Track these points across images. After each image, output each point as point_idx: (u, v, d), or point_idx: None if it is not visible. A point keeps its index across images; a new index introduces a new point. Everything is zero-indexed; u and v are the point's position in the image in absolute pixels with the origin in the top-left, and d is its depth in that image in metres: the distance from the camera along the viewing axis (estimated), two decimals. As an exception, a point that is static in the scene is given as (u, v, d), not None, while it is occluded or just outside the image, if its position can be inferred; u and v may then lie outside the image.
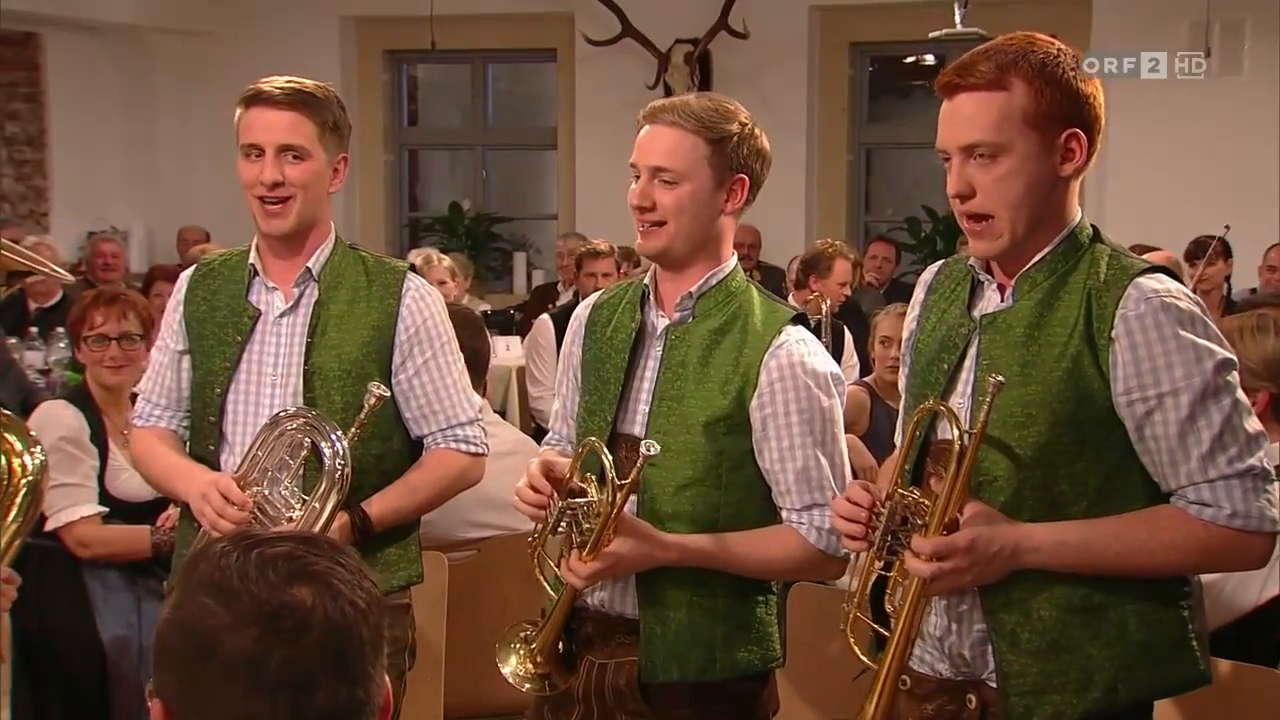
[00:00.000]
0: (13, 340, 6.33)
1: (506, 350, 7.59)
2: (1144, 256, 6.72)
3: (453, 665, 3.24)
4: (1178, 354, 1.98)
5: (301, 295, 2.72)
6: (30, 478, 2.50)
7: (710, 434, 2.36)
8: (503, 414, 7.08)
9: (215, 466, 2.70)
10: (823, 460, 2.38)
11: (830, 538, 2.37)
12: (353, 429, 2.54)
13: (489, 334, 7.61)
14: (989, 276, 2.15)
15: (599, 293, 2.63)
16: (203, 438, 2.74)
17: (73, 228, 9.49)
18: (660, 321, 2.45)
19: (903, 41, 9.05)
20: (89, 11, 9.31)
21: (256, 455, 2.58)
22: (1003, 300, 2.12)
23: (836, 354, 5.91)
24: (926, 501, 2.04)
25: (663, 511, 2.37)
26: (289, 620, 1.28)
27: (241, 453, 2.63)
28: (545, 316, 6.42)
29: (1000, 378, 1.97)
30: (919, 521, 2.03)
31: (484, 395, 3.68)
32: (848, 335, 6.04)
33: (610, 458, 2.27)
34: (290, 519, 2.53)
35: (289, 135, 2.63)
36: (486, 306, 8.59)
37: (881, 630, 2.11)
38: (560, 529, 2.32)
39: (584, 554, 2.29)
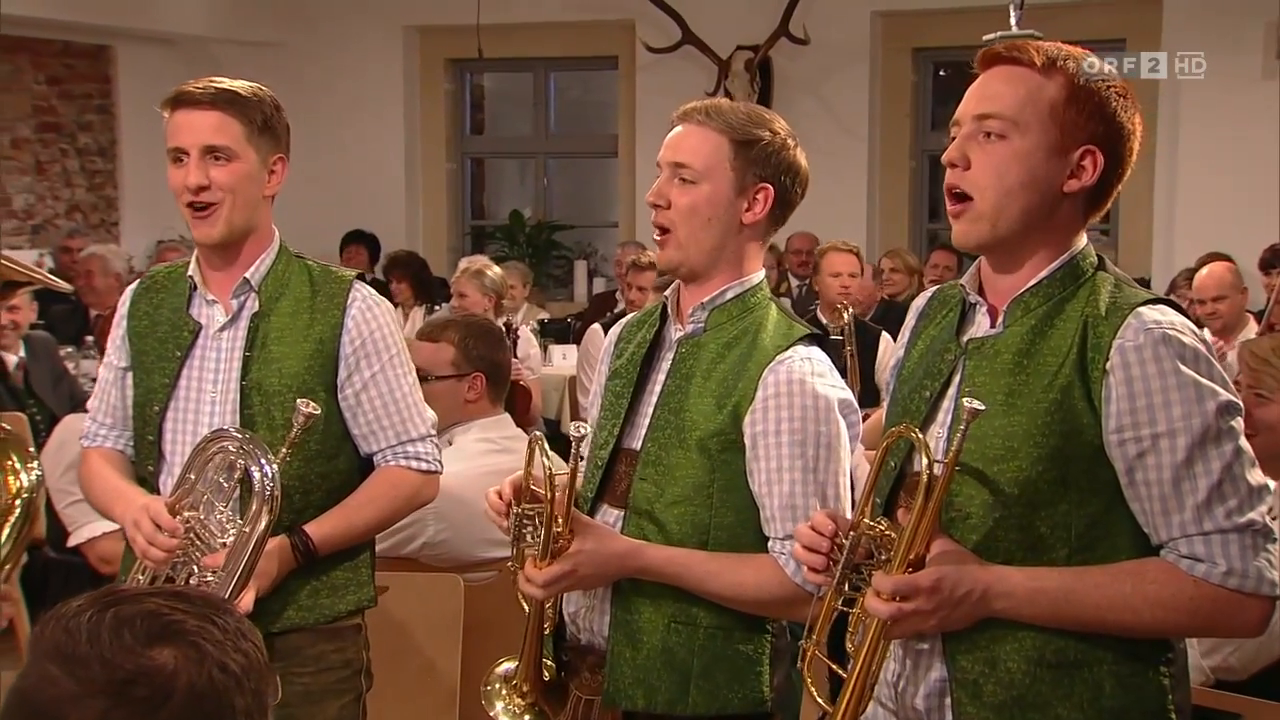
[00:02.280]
0: (71, 349, 6.32)
1: (563, 359, 7.48)
2: (1212, 265, 6.35)
3: (470, 691, 3.09)
4: (1177, 391, 1.78)
5: (241, 308, 2.55)
6: (25, 495, 2.43)
7: (704, 450, 2.20)
8: (557, 423, 6.97)
9: (155, 488, 2.54)
10: (811, 488, 2.17)
11: None
12: (283, 450, 2.37)
13: (545, 343, 7.59)
14: (980, 299, 1.96)
15: (635, 313, 2.50)
16: (143, 458, 2.59)
17: (142, 237, 9.54)
18: (676, 333, 2.31)
19: (967, 46, 8.79)
20: (159, 24, 9.39)
21: (188, 478, 2.42)
22: (993, 325, 1.93)
23: (871, 358, 5.68)
24: (894, 535, 1.84)
25: (650, 529, 2.22)
26: (144, 687, 1.13)
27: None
28: (596, 326, 6.28)
29: (977, 404, 1.78)
30: (884, 556, 1.84)
31: (504, 409, 3.54)
32: (884, 338, 5.78)
33: (549, 454, 2.13)
34: (225, 544, 2.37)
35: (213, 136, 2.45)
36: (545, 315, 8.49)
37: (841, 671, 1.89)
38: (525, 539, 2.18)
39: (539, 559, 2.14)
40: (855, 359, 5.45)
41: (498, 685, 2.30)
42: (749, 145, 2.22)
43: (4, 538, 2.41)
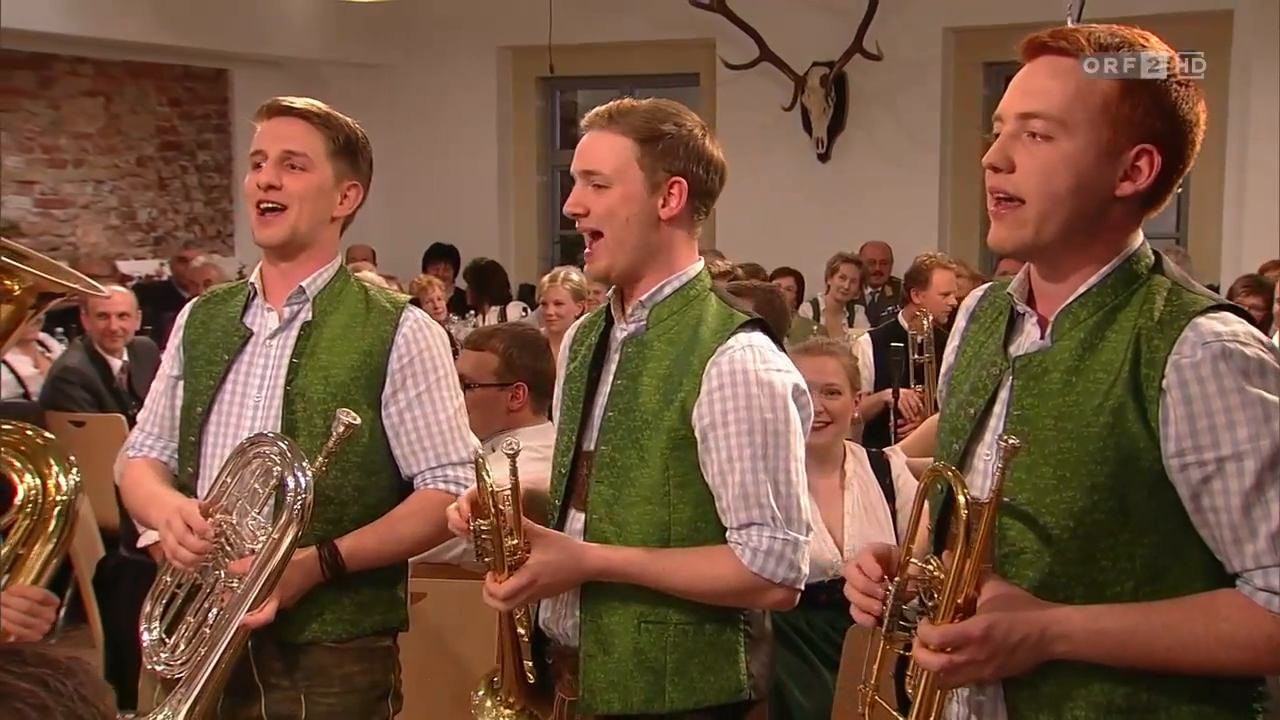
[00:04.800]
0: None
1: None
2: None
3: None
4: (1242, 410, 1.52)
5: (294, 316, 2.42)
6: (64, 498, 2.32)
7: (655, 448, 2.08)
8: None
9: (193, 491, 2.42)
10: (762, 475, 2.04)
11: (767, 560, 2.04)
12: (320, 458, 2.24)
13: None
14: (1029, 309, 1.72)
15: (587, 315, 2.38)
16: (184, 460, 2.48)
17: (254, 248, 9.56)
18: (620, 334, 2.19)
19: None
20: (272, 48, 9.45)
21: (225, 482, 2.30)
22: (1042, 337, 1.68)
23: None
24: (943, 577, 1.61)
25: (608, 530, 2.10)
26: None
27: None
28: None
29: (1014, 440, 1.55)
30: (932, 601, 1.62)
31: (548, 418, 3.40)
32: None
33: (488, 471, 2.02)
34: (253, 550, 2.24)
35: (292, 142, 2.36)
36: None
37: (899, 718, 1.68)
38: (487, 553, 2.05)
39: (497, 573, 2.02)
40: (933, 366, 5.26)
41: (484, 697, 2.19)
42: (654, 141, 2.10)
43: (45, 539, 2.29)
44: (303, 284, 2.41)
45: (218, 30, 8.88)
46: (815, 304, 7.79)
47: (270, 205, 2.37)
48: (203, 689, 2.23)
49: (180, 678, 2.26)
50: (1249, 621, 1.53)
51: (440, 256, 9.28)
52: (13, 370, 5.99)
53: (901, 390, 5.11)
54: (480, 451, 2.10)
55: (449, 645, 2.56)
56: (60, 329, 6.74)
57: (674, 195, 2.12)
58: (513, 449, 1.99)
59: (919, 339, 5.29)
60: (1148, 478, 1.57)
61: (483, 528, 2.02)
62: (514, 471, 1.99)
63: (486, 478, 2.01)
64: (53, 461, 2.35)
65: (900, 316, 5.79)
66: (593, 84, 10.21)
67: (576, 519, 2.16)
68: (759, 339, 2.11)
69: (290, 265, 2.42)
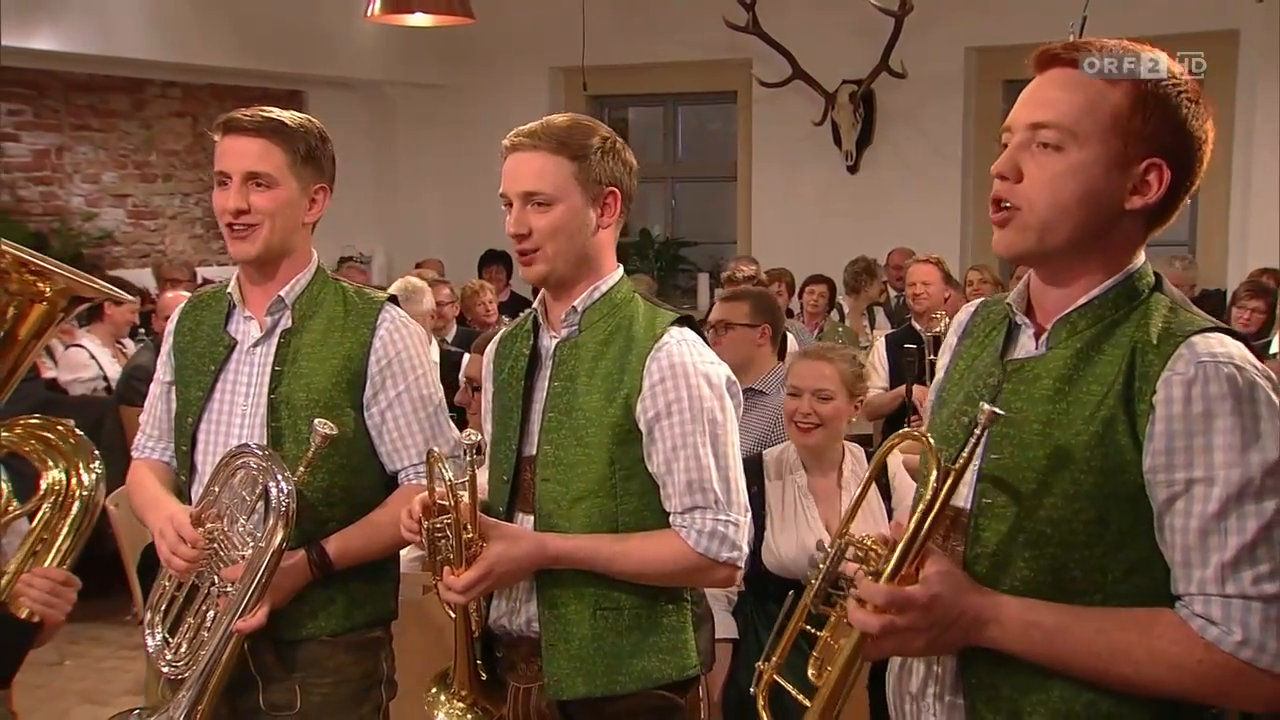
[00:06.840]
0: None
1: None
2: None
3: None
4: (1221, 435, 1.43)
5: (275, 325, 2.37)
6: (85, 491, 2.38)
7: (600, 444, 2.07)
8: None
9: (188, 498, 2.40)
10: (705, 462, 2.05)
11: (710, 542, 2.05)
12: (301, 468, 2.21)
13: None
14: (1026, 320, 1.62)
15: (508, 327, 2.36)
16: (179, 468, 2.45)
17: (326, 253, 9.65)
18: (551, 341, 2.18)
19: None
20: (343, 70, 9.58)
21: (213, 491, 2.27)
22: (1037, 347, 1.59)
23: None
24: (879, 549, 1.52)
25: (560, 526, 2.09)
26: None
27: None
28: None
29: (996, 408, 1.47)
30: (865, 571, 1.52)
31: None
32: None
33: (446, 467, 2.01)
34: (244, 557, 2.22)
35: (255, 163, 2.29)
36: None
37: (803, 700, 1.58)
38: (440, 551, 2.04)
39: (455, 567, 2.01)
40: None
41: (437, 693, 2.17)
42: (587, 158, 2.09)
43: (67, 528, 2.36)
44: (281, 293, 2.37)
45: (294, 55, 9.03)
46: (840, 309, 7.76)
47: (241, 225, 2.32)
48: (200, 691, 2.22)
49: (185, 678, 2.25)
50: (1181, 643, 1.44)
51: (494, 261, 9.32)
52: (100, 366, 6.15)
53: (916, 386, 5.06)
54: (435, 450, 2.08)
55: (449, 640, 2.57)
56: (142, 329, 6.90)
57: (610, 206, 2.13)
58: (470, 439, 1.98)
59: (928, 336, 5.20)
60: (1130, 492, 1.48)
61: (438, 525, 2.01)
62: (471, 464, 1.99)
63: (444, 473, 2.00)
64: (77, 457, 2.42)
65: (913, 320, 5.74)
66: (638, 101, 10.24)
67: (525, 522, 2.14)
68: (689, 334, 2.12)
69: (267, 275, 2.38)
